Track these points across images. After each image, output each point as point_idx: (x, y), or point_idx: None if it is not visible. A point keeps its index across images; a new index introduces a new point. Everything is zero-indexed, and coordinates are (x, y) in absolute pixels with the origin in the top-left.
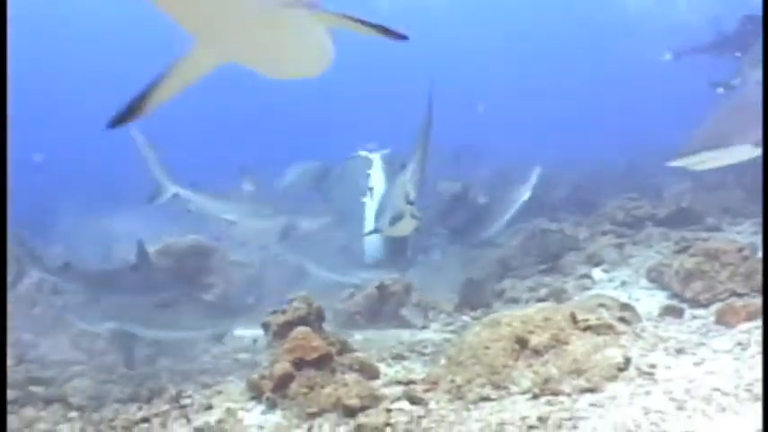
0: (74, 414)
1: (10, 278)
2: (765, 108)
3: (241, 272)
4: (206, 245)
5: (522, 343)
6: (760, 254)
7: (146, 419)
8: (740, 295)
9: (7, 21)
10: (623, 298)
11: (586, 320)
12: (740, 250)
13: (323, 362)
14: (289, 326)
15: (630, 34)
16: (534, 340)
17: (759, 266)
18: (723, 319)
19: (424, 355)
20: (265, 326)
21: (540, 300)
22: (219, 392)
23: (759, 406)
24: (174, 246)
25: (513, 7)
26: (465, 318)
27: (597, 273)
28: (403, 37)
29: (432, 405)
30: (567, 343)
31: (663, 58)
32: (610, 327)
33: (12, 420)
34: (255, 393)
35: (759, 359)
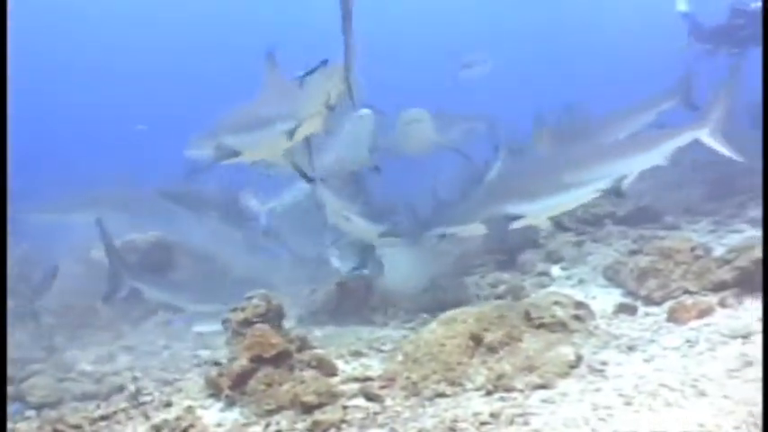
0: (31, 413)
1: None
2: (765, 108)
3: (205, 266)
4: (169, 240)
5: (476, 340)
6: (714, 253)
7: (104, 417)
8: (692, 293)
9: (7, 21)
10: (580, 296)
11: (540, 318)
12: (693, 249)
13: (281, 359)
14: (248, 323)
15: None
16: (489, 337)
17: (711, 265)
18: (674, 317)
19: (382, 351)
20: (225, 323)
21: (499, 297)
22: (179, 390)
23: (703, 401)
24: (138, 241)
25: None
26: (425, 315)
27: (556, 270)
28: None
29: (388, 402)
30: (520, 340)
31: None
32: (563, 324)
33: None
34: (214, 390)
35: (707, 356)
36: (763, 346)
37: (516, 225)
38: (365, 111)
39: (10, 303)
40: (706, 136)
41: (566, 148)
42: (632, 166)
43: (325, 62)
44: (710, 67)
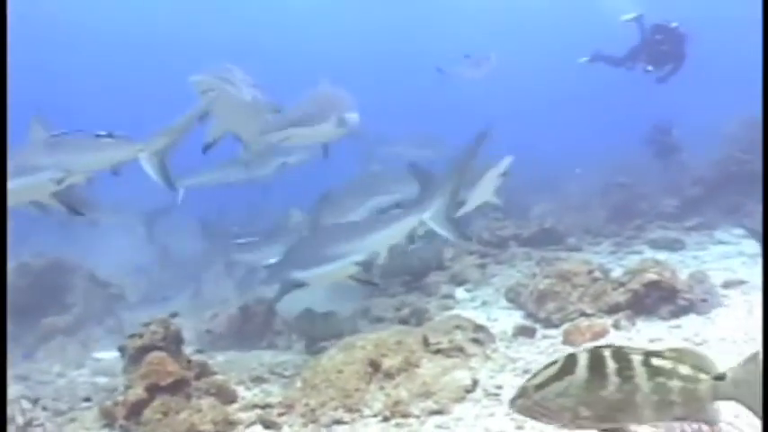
0: None
1: None
2: (765, 107)
3: (104, 291)
4: (67, 262)
5: (374, 366)
6: (613, 274)
7: None
8: (588, 315)
9: (7, 21)
10: (482, 318)
11: (438, 343)
12: (590, 272)
13: (178, 387)
14: (145, 350)
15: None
16: (387, 363)
17: (607, 287)
18: (569, 339)
19: (283, 377)
20: (122, 349)
21: (402, 320)
22: (72, 420)
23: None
24: (32, 264)
25: None
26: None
27: (460, 292)
28: None
29: (285, 429)
30: (417, 366)
31: (580, 60)
32: (461, 349)
33: None
34: (109, 420)
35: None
36: (763, 346)
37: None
38: None
39: None
40: (428, 219)
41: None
42: (380, 243)
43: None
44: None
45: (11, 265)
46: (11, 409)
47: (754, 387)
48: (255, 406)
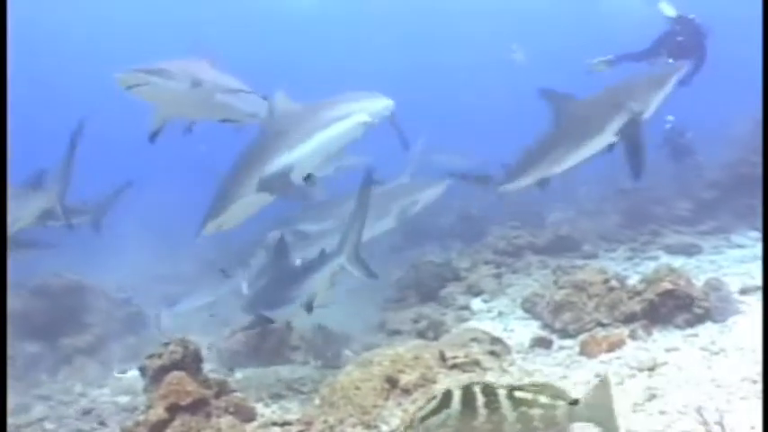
0: None
1: None
2: (765, 107)
3: (122, 310)
4: (85, 283)
5: (392, 382)
6: (630, 281)
7: None
8: (604, 325)
9: (7, 21)
10: (499, 329)
11: (454, 358)
12: (606, 281)
13: (198, 406)
14: (165, 370)
15: None
16: (404, 379)
17: (623, 296)
18: (586, 351)
19: (301, 393)
20: (142, 369)
21: (420, 333)
22: None
23: None
24: (51, 284)
25: None
26: (347, 353)
27: (476, 303)
28: None
29: None
30: (435, 382)
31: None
32: (477, 363)
33: None
34: None
35: (614, 390)
36: (762, 347)
37: None
38: None
39: None
40: (345, 263)
41: None
42: (316, 286)
43: None
44: None
45: (30, 285)
46: (36, 430)
47: (605, 409)
48: (274, 424)
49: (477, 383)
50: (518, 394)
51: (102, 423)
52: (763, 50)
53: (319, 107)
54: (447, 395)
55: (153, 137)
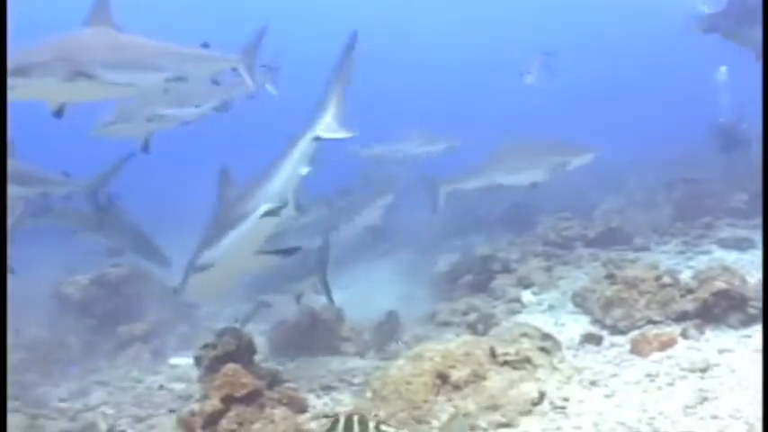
0: None
1: None
2: (765, 107)
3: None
4: (141, 272)
5: (442, 378)
6: (681, 276)
7: None
8: (656, 323)
9: (7, 21)
10: (549, 322)
11: (505, 355)
12: (657, 278)
13: (252, 398)
14: (219, 360)
15: None
16: (454, 375)
17: (675, 294)
18: (637, 349)
19: (352, 384)
20: (197, 359)
21: (470, 325)
22: (152, 427)
23: None
24: (108, 275)
25: None
26: (398, 344)
27: (527, 295)
28: None
29: None
30: (485, 378)
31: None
32: (527, 360)
33: None
34: (186, 430)
35: (666, 391)
36: (763, 348)
37: None
38: None
39: None
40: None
41: None
42: None
43: None
44: None
45: (90, 276)
46: (96, 415)
47: None
48: (326, 416)
49: (357, 413)
50: (383, 427)
51: (158, 410)
52: (763, 50)
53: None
54: (335, 422)
55: (57, 115)
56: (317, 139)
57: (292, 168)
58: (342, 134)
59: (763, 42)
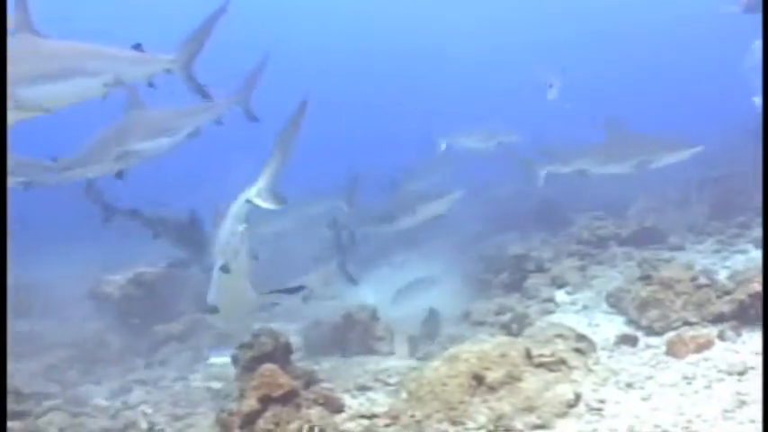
0: None
1: None
2: (765, 107)
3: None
4: (178, 272)
5: (478, 379)
6: (718, 276)
7: None
8: (692, 324)
9: (7, 21)
10: (584, 323)
11: (540, 356)
12: (693, 279)
13: (288, 398)
14: (256, 360)
15: None
16: (490, 377)
17: (711, 295)
18: (673, 351)
19: (387, 385)
20: (234, 359)
21: (504, 325)
22: (190, 426)
23: None
24: (145, 275)
25: None
26: (430, 343)
27: (560, 295)
28: None
29: None
30: (520, 379)
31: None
32: (563, 361)
33: None
34: (224, 429)
35: (703, 394)
36: (763, 350)
37: None
38: None
39: None
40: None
41: None
42: None
43: None
44: None
45: (128, 275)
46: (136, 413)
47: None
48: (362, 416)
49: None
50: None
51: (196, 409)
52: (763, 50)
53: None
54: None
55: None
56: (249, 202)
57: (231, 226)
58: (270, 204)
59: (762, 42)
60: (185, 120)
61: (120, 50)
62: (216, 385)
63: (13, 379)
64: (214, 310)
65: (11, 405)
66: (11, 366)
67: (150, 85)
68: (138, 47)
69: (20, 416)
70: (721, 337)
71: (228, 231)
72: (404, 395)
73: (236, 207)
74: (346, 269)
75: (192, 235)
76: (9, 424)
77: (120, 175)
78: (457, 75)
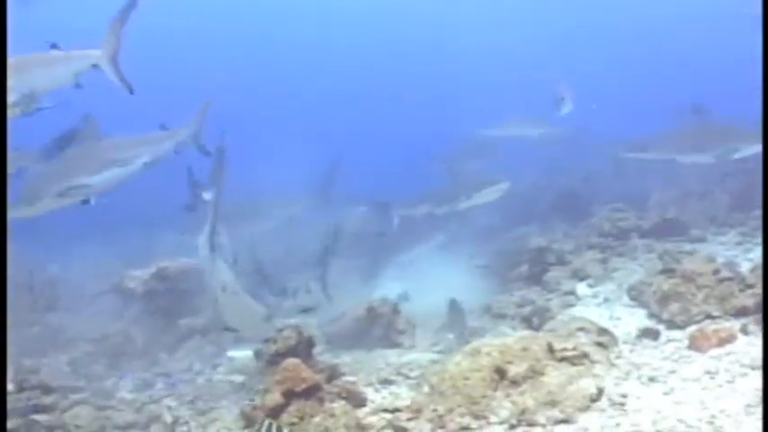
0: None
1: None
2: (765, 107)
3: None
4: (199, 266)
5: (500, 373)
6: (740, 269)
7: None
8: (714, 318)
9: (7, 21)
10: (605, 316)
11: (563, 350)
12: (716, 272)
13: (312, 392)
14: (280, 355)
15: None
16: (512, 371)
17: (734, 289)
18: (695, 345)
19: (409, 378)
20: (257, 353)
21: (525, 318)
22: (214, 420)
23: None
24: (168, 269)
25: None
26: (451, 336)
27: (582, 288)
28: None
29: None
30: (543, 374)
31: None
32: (585, 355)
33: None
34: (248, 423)
35: (726, 389)
36: (763, 348)
37: None
38: None
39: None
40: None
41: None
42: None
43: None
44: None
45: (151, 270)
46: (160, 406)
47: None
48: (385, 410)
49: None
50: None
51: (219, 402)
52: (763, 50)
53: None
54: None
55: None
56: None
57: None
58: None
59: (762, 43)
60: (141, 149)
61: (38, 54)
62: (238, 379)
63: (41, 373)
64: (233, 329)
65: (38, 398)
66: (38, 361)
67: (77, 85)
68: (54, 46)
69: (47, 409)
70: (744, 330)
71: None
72: (426, 389)
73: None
74: (325, 283)
75: None
76: (37, 417)
77: (86, 201)
78: (472, 70)
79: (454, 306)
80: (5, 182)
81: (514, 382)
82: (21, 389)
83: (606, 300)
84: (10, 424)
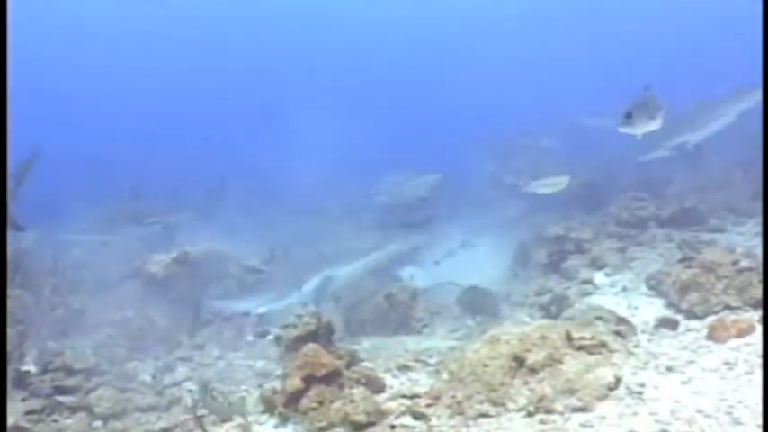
0: (98, 423)
1: None
2: (765, 107)
3: (254, 276)
4: (220, 251)
5: (519, 361)
6: (760, 259)
7: (165, 430)
8: (733, 308)
9: (7, 21)
10: (623, 305)
11: (581, 339)
12: (735, 263)
13: (331, 377)
14: (300, 340)
15: None
16: (531, 359)
17: (753, 279)
18: (714, 335)
19: (428, 365)
20: (278, 339)
21: (543, 306)
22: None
23: (738, 430)
24: (190, 253)
25: None
26: (470, 323)
27: (599, 277)
28: None
29: (433, 420)
30: (561, 362)
31: None
32: (603, 344)
33: (40, 429)
34: (269, 406)
35: (744, 379)
36: (763, 347)
37: None
38: None
39: None
40: None
41: None
42: None
43: None
44: None
45: (172, 255)
46: (181, 390)
47: None
48: (404, 396)
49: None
50: None
51: (240, 386)
52: (763, 50)
53: None
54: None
55: None
56: None
57: None
58: None
59: (762, 43)
60: None
61: None
62: (258, 363)
63: (64, 355)
64: None
65: (62, 380)
66: (61, 343)
67: None
68: None
69: (71, 391)
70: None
71: None
72: (445, 376)
73: None
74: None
75: None
76: (60, 398)
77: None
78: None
79: (472, 295)
80: (5, 182)
81: (533, 370)
82: (44, 370)
83: (624, 289)
84: (35, 404)
